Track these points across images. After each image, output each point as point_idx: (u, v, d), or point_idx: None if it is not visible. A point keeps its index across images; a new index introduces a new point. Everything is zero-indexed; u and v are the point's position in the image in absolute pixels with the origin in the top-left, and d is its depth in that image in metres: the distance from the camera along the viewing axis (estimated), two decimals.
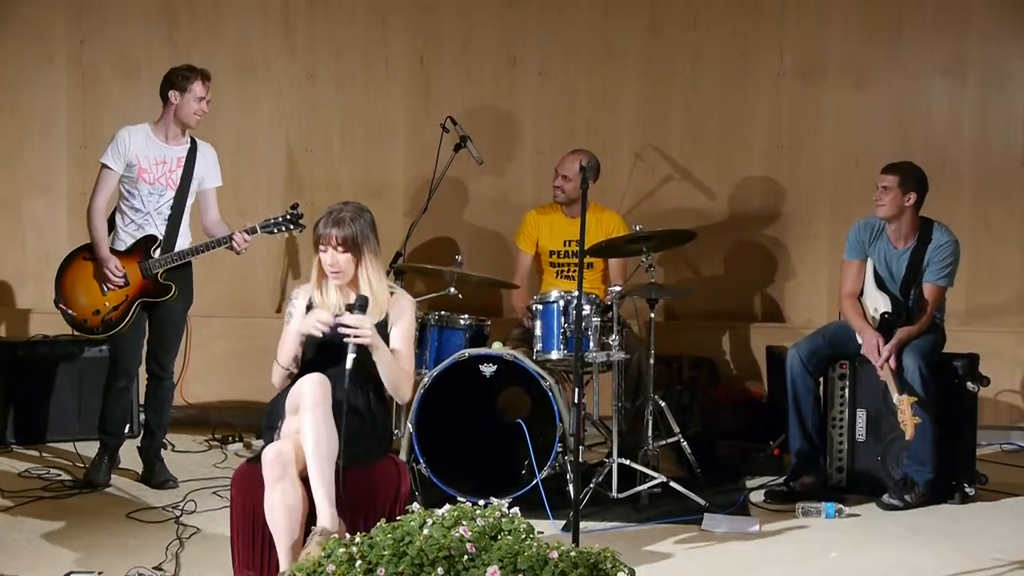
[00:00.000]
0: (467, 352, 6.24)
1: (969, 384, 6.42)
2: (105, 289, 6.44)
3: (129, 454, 6.81)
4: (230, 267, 7.88)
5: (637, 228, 6.48)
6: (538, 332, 6.39)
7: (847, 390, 6.59)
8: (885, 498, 6.28)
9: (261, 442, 4.93)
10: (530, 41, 8.16)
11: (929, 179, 6.51)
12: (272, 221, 6.45)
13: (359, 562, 3.81)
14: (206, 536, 5.64)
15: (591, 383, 6.76)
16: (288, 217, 6.46)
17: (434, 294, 6.80)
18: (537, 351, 6.38)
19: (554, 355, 6.33)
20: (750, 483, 6.70)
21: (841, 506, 6.14)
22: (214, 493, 6.37)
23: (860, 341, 6.40)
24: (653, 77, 8.12)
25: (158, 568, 5.12)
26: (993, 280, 7.94)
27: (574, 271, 7.10)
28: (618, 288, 6.47)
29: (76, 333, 6.68)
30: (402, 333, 4.88)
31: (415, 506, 4.09)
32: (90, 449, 6.86)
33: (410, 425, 6.14)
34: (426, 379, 6.19)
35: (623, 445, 6.34)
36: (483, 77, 8.20)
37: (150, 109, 6.80)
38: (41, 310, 7.69)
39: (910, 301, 6.45)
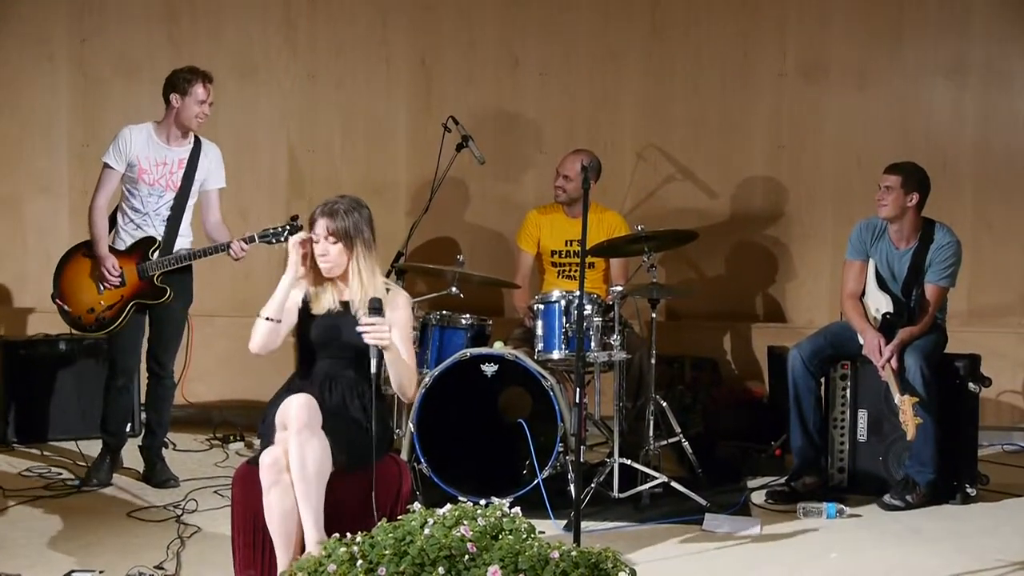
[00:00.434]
0: (468, 352, 6.24)
1: (971, 385, 6.41)
2: (101, 288, 6.44)
3: (131, 453, 6.81)
4: (232, 267, 7.82)
5: (639, 228, 6.47)
6: (539, 332, 6.39)
7: (848, 390, 6.58)
8: (886, 498, 6.28)
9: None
10: (531, 41, 8.16)
11: (931, 179, 6.50)
12: (271, 231, 6.39)
13: (360, 561, 3.81)
14: (207, 535, 5.65)
15: (592, 383, 6.77)
16: (287, 228, 6.37)
17: (435, 294, 6.79)
18: (538, 351, 6.38)
19: (555, 355, 6.33)
20: (751, 483, 6.69)
21: (842, 506, 6.14)
22: (215, 492, 6.37)
23: (862, 341, 6.40)
24: (654, 77, 8.11)
25: (159, 567, 5.12)
26: (995, 281, 7.94)
27: (575, 271, 7.11)
28: (620, 288, 6.47)
29: (74, 332, 6.69)
30: (401, 331, 4.86)
31: (416, 506, 4.09)
32: (91, 448, 6.87)
33: (411, 424, 6.14)
34: (427, 379, 6.19)
35: (624, 445, 6.33)
36: (484, 77, 8.20)
37: (151, 109, 6.80)
38: (42, 309, 7.68)
39: (912, 301, 6.45)
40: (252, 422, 4.91)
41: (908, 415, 5.99)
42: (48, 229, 8.27)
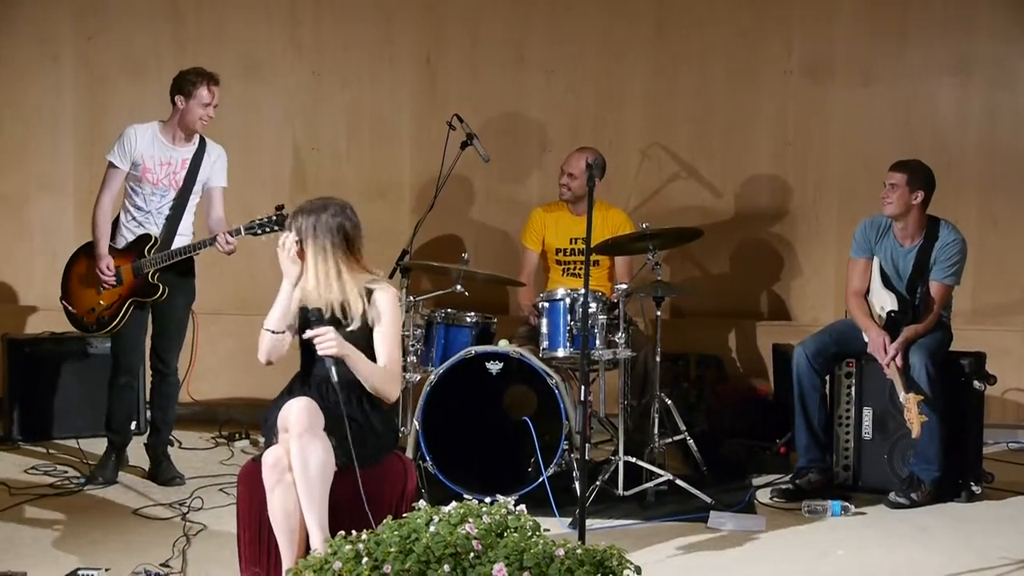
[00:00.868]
0: (473, 350, 6.25)
1: (976, 383, 6.41)
2: (100, 288, 6.46)
3: (136, 451, 6.82)
4: (237, 265, 7.85)
5: (643, 226, 6.48)
6: (544, 330, 6.39)
7: (853, 388, 6.58)
8: (891, 496, 6.28)
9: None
10: (536, 39, 8.16)
11: (936, 177, 6.50)
12: (257, 222, 6.34)
13: (365, 559, 3.81)
14: (212, 533, 5.66)
15: (597, 381, 6.78)
16: (273, 218, 6.31)
17: (440, 292, 6.79)
18: (543, 349, 6.38)
19: (560, 353, 6.33)
20: (756, 481, 6.70)
21: (847, 504, 6.14)
22: (221, 490, 6.38)
23: (866, 339, 6.39)
24: (659, 75, 8.11)
25: (165, 565, 5.13)
26: (1000, 279, 7.94)
27: (580, 269, 7.11)
28: (624, 286, 6.46)
29: (77, 330, 6.71)
30: (383, 331, 4.81)
31: (421, 503, 4.09)
32: (96, 446, 6.89)
33: (416, 422, 6.14)
34: (432, 377, 6.19)
35: (629, 443, 6.33)
36: (489, 76, 8.19)
37: (156, 108, 6.80)
38: (48, 307, 7.69)
39: (917, 299, 6.44)
40: (257, 420, 4.92)
41: (913, 413, 5.99)
42: (53, 228, 8.28)
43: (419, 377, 6.56)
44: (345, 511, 4.53)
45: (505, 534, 3.90)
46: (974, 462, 6.44)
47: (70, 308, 6.54)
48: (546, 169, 7.99)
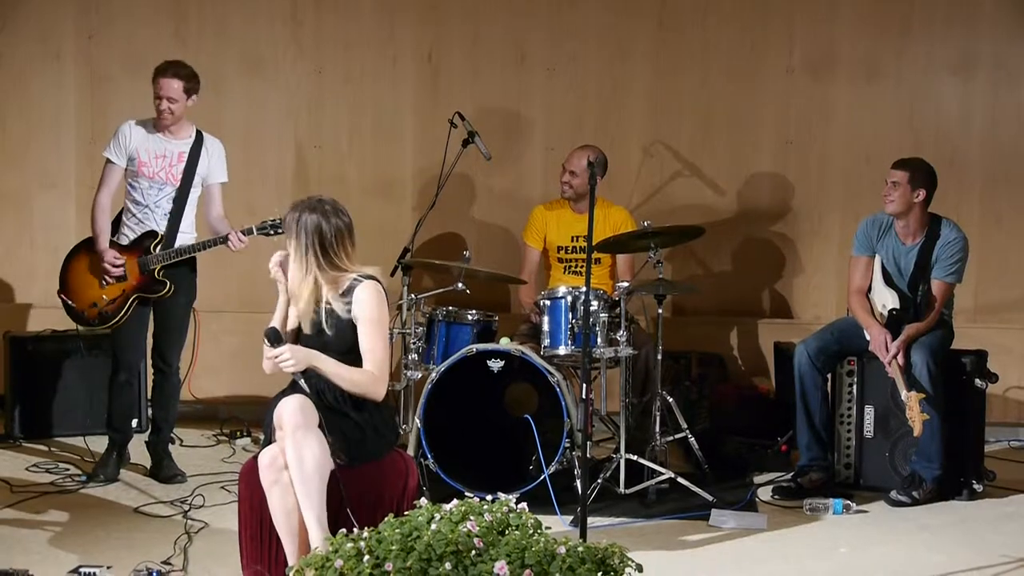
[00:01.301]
0: (475, 347, 6.25)
1: (977, 381, 6.41)
2: (104, 283, 6.46)
3: (138, 448, 6.83)
4: (239, 262, 7.86)
5: (645, 224, 6.48)
6: (546, 328, 6.40)
7: (855, 386, 6.58)
8: (893, 494, 6.28)
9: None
10: (538, 37, 8.15)
11: (939, 175, 6.50)
12: (269, 223, 6.38)
13: (367, 557, 3.81)
14: (214, 531, 5.66)
15: (599, 379, 6.77)
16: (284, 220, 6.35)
17: (442, 289, 6.79)
18: (545, 347, 6.38)
19: (562, 351, 6.33)
20: (758, 479, 6.71)
21: (849, 502, 6.15)
22: (222, 488, 6.39)
23: (868, 337, 6.39)
24: (662, 73, 8.11)
25: (166, 562, 5.13)
26: (1002, 277, 7.94)
27: (582, 267, 7.11)
28: (626, 284, 6.46)
29: (80, 328, 6.69)
30: (364, 329, 4.79)
31: (423, 501, 4.09)
32: (97, 444, 6.89)
33: (418, 420, 6.15)
34: (434, 374, 6.20)
35: (631, 441, 6.34)
36: (491, 73, 8.19)
37: None
38: (49, 305, 7.69)
39: (918, 297, 6.44)
40: (259, 418, 4.93)
41: (915, 411, 5.99)
42: (55, 225, 8.28)
43: (420, 375, 6.56)
44: (347, 509, 4.53)
45: (506, 532, 3.90)
46: (976, 460, 6.44)
47: (70, 302, 6.53)
48: (548, 167, 7.99)
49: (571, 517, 5.75)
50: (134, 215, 6.51)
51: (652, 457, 6.37)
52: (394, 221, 8.01)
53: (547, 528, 4.02)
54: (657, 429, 6.46)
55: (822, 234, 8.07)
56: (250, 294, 8.07)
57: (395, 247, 7.28)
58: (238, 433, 7.60)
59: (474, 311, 6.66)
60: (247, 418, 7.73)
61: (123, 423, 6.72)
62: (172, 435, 6.91)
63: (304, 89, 8.29)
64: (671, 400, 6.64)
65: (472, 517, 3.90)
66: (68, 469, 6.75)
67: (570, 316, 6.31)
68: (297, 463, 4.50)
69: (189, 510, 5.97)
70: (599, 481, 6.15)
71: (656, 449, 6.44)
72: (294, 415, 4.55)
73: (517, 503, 4.07)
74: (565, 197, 7.25)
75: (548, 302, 6.41)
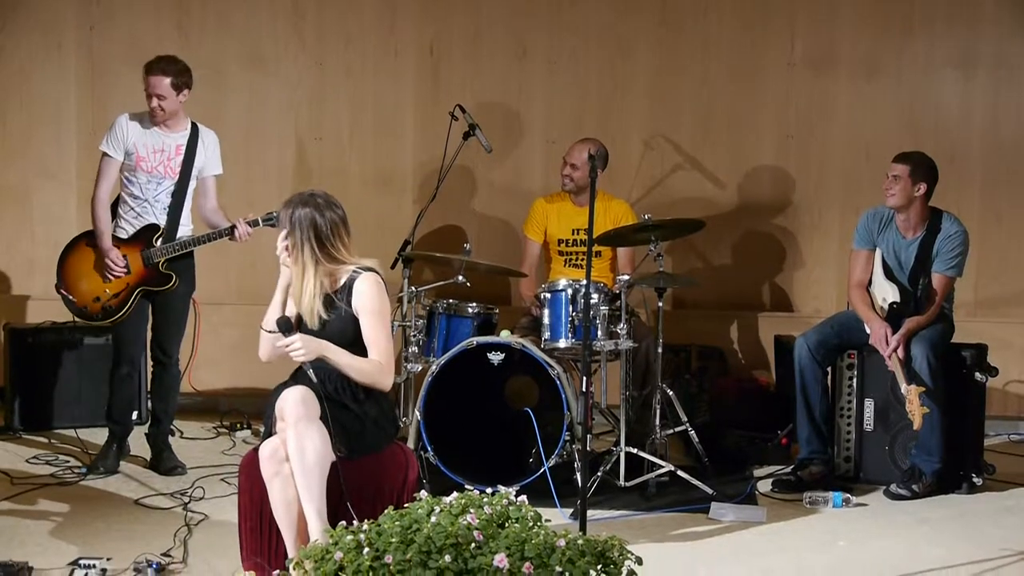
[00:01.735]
0: (475, 340, 6.25)
1: (977, 374, 6.41)
2: (106, 276, 6.45)
3: (138, 440, 6.83)
4: (239, 254, 7.87)
5: (646, 217, 6.48)
6: (546, 320, 6.40)
7: (855, 380, 6.59)
8: (893, 488, 6.28)
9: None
10: (540, 30, 8.15)
11: (939, 170, 6.50)
12: (275, 214, 6.37)
13: (367, 549, 3.82)
14: (214, 523, 5.66)
15: (599, 372, 6.78)
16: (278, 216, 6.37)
17: (442, 282, 6.79)
18: (545, 339, 6.38)
19: (562, 343, 6.33)
20: (758, 472, 6.71)
21: (849, 495, 6.15)
22: (222, 480, 6.39)
23: (868, 331, 6.39)
24: (663, 67, 8.10)
25: (166, 555, 5.13)
26: (1002, 271, 7.95)
27: (582, 260, 7.10)
28: (626, 277, 6.46)
29: (78, 320, 6.69)
30: (367, 321, 4.80)
31: (423, 494, 4.10)
32: (97, 436, 6.90)
33: (418, 413, 6.15)
34: (434, 367, 6.19)
35: (631, 434, 6.34)
36: (493, 66, 8.19)
37: None
38: (49, 297, 7.67)
39: (919, 291, 6.44)
40: (259, 410, 4.94)
41: (915, 405, 5.99)
42: (56, 218, 8.27)
43: (421, 367, 6.56)
44: (347, 501, 4.54)
45: (506, 525, 3.91)
46: (975, 454, 6.45)
47: (71, 297, 6.51)
48: (548, 160, 7.99)
49: (571, 510, 5.75)
50: (132, 208, 6.50)
51: (652, 450, 6.37)
52: (395, 214, 8.01)
53: (547, 521, 4.03)
54: (657, 422, 6.46)
55: (822, 228, 8.07)
56: (250, 286, 8.08)
57: (396, 240, 7.28)
58: (238, 425, 7.60)
59: (474, 304, 6.66)
60: (247, 410, 7.72)
61: (123, 415, 6.72)
62: (172, 427, 6.91)
63: (305, 82, 8.28)
64: (671, 393, 6.63)
65: (472, 510, 3.91)
66: (68, 461, 6.74)
67: (570, 309, 6.31)
68: (298, 455, 4.50)
69: (189, 502, 5.97)
70: (599, 474, 6.16)
71: (656, 442, 6.44)
72: (296, 406, 4.55)
73: (517, 496, 4.08)
74: (566, 190, 7.25)
75: (548, 295, 6.41)
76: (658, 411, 6.47)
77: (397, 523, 3.89)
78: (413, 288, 6.69)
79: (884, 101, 7.97)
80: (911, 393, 6.02)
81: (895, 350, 6.21)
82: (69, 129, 8.32)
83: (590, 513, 5.28)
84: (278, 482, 4.55)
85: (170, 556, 5.13)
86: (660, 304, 6.49)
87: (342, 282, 4.84)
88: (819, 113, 8.04)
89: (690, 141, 8.12)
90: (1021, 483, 6.57)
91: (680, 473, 6.22)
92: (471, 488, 4.16)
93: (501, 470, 6.02)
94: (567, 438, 6.08)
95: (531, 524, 3.92)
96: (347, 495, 4.55)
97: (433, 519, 3.87)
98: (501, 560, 3.71)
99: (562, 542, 3.81)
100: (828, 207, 8.06)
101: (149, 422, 6.86)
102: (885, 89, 7.97)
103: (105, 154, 6.48)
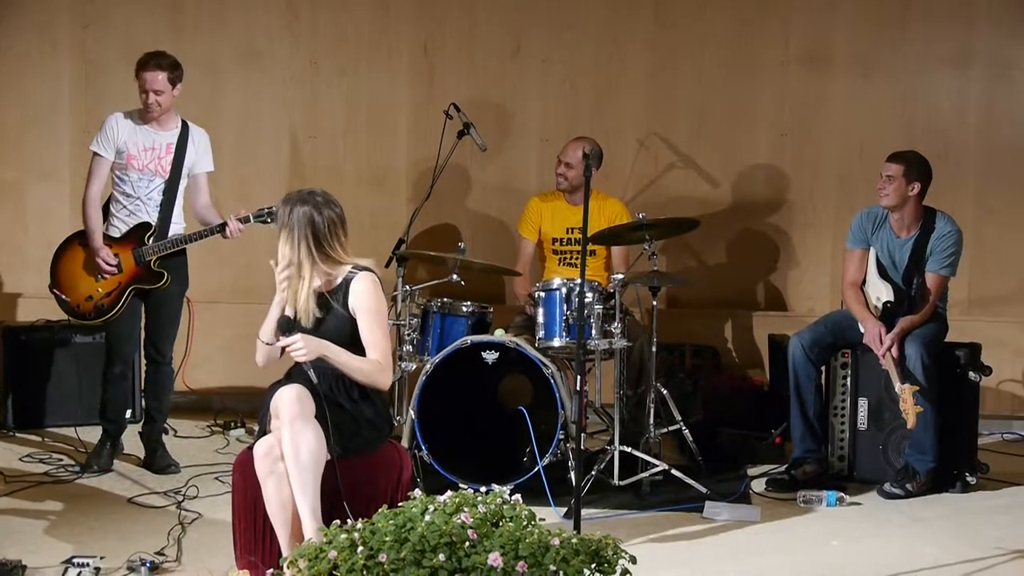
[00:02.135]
0: (469, 339, 6.25)
1: (971, 373, 6.42)
2: (99, 276, 6.44)
3: (131, 439, 6.82)
4: (233, 253, 7.87)
5: (640, 216, 6.47)
6: (540, 319, 6.40)
7: (849, 379, 6.59)
8: (886, 487, 6.29)
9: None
10: (534, 28, 8.15)
11: (933, 168, 6.51)
12: (266, 210, 6.38)
13: (361, 548, 3.82)
14: (208, 521, 5.66)
15: (593, 370, 6.77)
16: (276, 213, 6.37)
17: (436, 281, 6.78)
18: (539, 338, 6.38)
19: (556, 342, 6.33)
20: (752, 471, 6.70)
21: (842, 494, 6.15)
22: (216, 479, 6.38)
23: (862, 330, 6.40)
24: (657, 65, 8.10)
25: (160, 553, 5.13)
26: (996, 270, 7.95)
27: (577, 258, 7.10)
28: (621, 276, 6.47)
29: (72, 319, 6.69)
30: (364, 320, 4.80)
31: (417, 493, 4.10)
32: (90, 434, 6.88)
33: (412, 412, 6.15)
34: (428, 366, 6.19)
35: (625, 433, 6.33)
36: (487, 64, 8.18)
37: None
38: (43, 296, 7.65)
39: (913, 290, 6.45)
40: (253, 408, 4.94)
41: (908, 404, 5.99)
42: (49, 216, 8.26)
43: (415, 366, 6.56)
44: (341, 500, 4.54)
45: (500, 524, 3.91)
46: (969, 453, 6.45)
47: (63, 297, 6.51)
48: (543, 158, 7.99)
49: (565, 509, 5.75)
50: (124, 207, 6.50)
51: (646, 449, 6.37)
52: (389, 212, 8.00)
53: (541, 520, 4.03)
54: (651, 421, 6.46)
55: (816, 226, 8.07)
56: (244, 284, 8.07)
57: (390, 238, 7.27)
58: (232, 424, 7.59)
59: (469, 303, 6.67)
60: (241, 409, 7.72)
61: (117, 414, 6.71)
62: (166, 425, 6.91)
63: (299, 80, 8.27)
64: (665, 392, 6.64)
65: (466, 508, 3.91)
66: (62, 460, 6.74)
67: (565, 308, 6.31)
68: (293, 453, 4.50)
69: (183, 501, 5.97)
70: (593, 473, 6.16)
71: (650, 441, 6.44)
72: (292, 405, 4.55)
73: (511, 495, 4.08)
74: (560, 189, 7.26)
75: (543, 294, 6.41)
76: (652, 410, 6.47)
77: (391, 522, 3.89)
78: (407, 287, 6.68)
79: (879, 99, 7.97)
80: (905, 392, 6.02)
81: (889, 349, 6.22)
82: (63, 127, 8.31)
83: (584, 512, 5.28)
84: (272, 481, 4.55)
85: (164, 555, 5.12)
86: (654, 303, 6.49)
87: (338, 282, 4.84)
88: (813, 111, 8.05)
89: (684, 139, 8.12)
90: (1015, 482, 6.57)
91: (674, 472, 6.22)
92: (465, 487, 4.16)
93: (495, 469, 6.01)
94: (561, 437, 6.08)
95: (525, 523, 3.92)
96: (343, 493, 4.55)
97: (427, 518, 3.87)
98: (495, 559, 3.71)
99: (556, 541, 3.81)
100: (822, 205, 8.06)
101: (143, 421, 6.85)
102: (880, 87, 7.97)
103: (96, 154, 6.48)
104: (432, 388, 6.15)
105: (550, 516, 5.67)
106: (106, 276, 6.43)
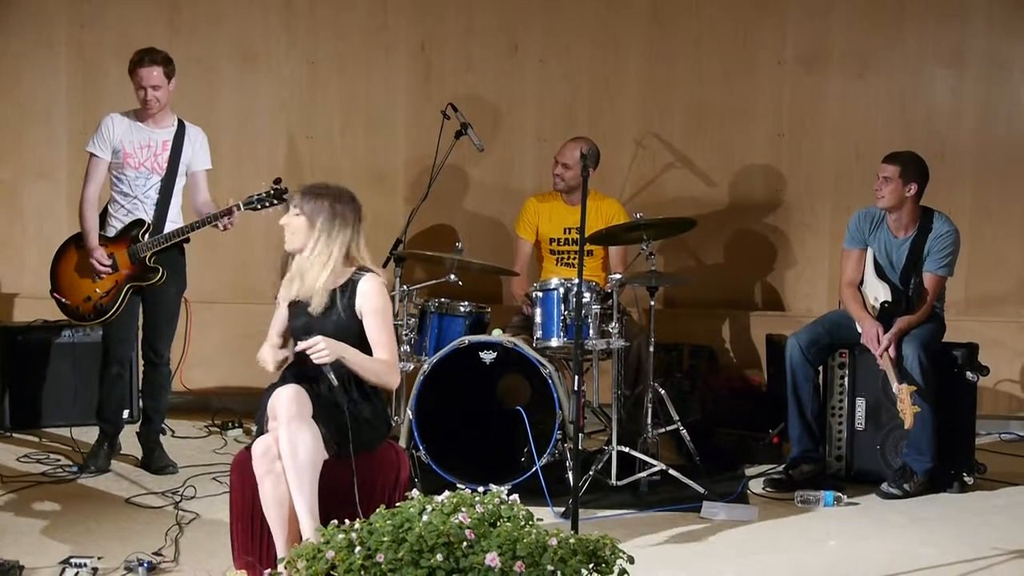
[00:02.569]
0: (467, 339, 6.25)
1: (968, 373, 6.42)
2: (96, 276, 6.44)
3: (129, 439, 6.82)
4: (231, 253, 7.88)
5: (637, 216, 6.47)
6: (538, 319, 6.40)
7: (847, 379, 6.59)
8: (884, 487, 6.29)
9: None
10: (531, 28, 8.15)
11: (930, 168, 6.51)
12: (255, 197, 6.36)
13: (358, 548, 3.81)
14: (205, 522, 5.65)
15: (591, 371, 6.77)
16: (271, 192, 6.34)
17: (434, 281, 6.78)
18: (537, 338, 6.38)
19: (554, 342, 6.33)
20: (749, 471, 6.70)
21: (840, 494, 6.16)
22: (214, 479, 6.38)
23: (860, 330, 6.40)
24: (655, 65, 8.10)
25: (157, 553, 5.12)
26: (993, 270, 7.95)
27: (574, 259, 7.11)
28: (618, 276, 6.47)
29: (71, 320, 6.68)
30: (374, 321, 4.82)
31: (414, 493, 4.09)
32: (87, 434, 6.87)
33: (410, 412, 6.15)
34: (426, 366, 6.19)
35: (622, 433, 6.34)
36: (484, 64, 8.18)
37: None
38: (40, 296, 7.65)
39: (910, 290, 6.45)
40: (250, 409, 4.94)
41: (906, 404, 6.00)
42: (46, 215, 8.26)
43: (412, 366, 6.55)
44: (338, 500, 4.53)
45: (498, 524, 3.90)
46: (967, 453, 6.45)
47: (63, 300, 6.52)
48: (540, 159, 7.98)
49: (563, 509, 5.75)
50: (122, 206, 6.50)
51: (644, 449, 6.37)
52: (386, 212, 7.99)
53: (539, 520, 4.03)
54: (649, 421, 6.46)
55: (814, 226, 8.07)
56: (242, 284, 8.07)
57: (387, 238, 7.26)
58: (229, 424, 7.59)
59: (466, 303, 6.67)
60: (239, 409, 7.71)
61: (114, 414, 6.71)
62: (163, 426, 6.90)
63: (296, 79, 8.27)
64: (663, 392, 6.64)
65: (464, 508, 3.91)
66: (59, 460, 6.73)
67: (562, 308, 6.31)
68: (291, 453, 4.50)
69: (180, 501, 5.96)
70: (591, 473, 6.16)
71: (648, 441, 6.44)
72: (289, 405, 4.55)
73: (509, 495, 4.08)
74: (557, 189, 7.26)
75: (540, 294, 6.41)
76: (650, 410, 6.47)
77: (389, 522, 3.89)
78: (405, 287, 6.68)
79: (875, 99, 7.97)
80: (902, 392, 6.03)
81: (886, 349, 6.22)
82: (60, 127, 8.30)
83: (582, 512, 5.27)
84: (270, 480, 4.54)
85: (161, 555, 5.11)
86: (652, 303, 6.49)
87: (342, 281, 4.85)
88: (810, 111, 8.05)
89: (682, 139, 8.12)
90: (1012, 482, 6.57)
91: (672, 472, 6.22)
92: (463, 487, 4.16)
93: (493, 469, 6.01)
94: (559, 437, 6.08)
95: (523, 523, 3.92)
96: (357, 492, 4.55)
97: (425, 518, 3.87)
98: (493, 559, 3.71)
99: (554, 541, 3.81)
100: (819, 205, 8.06)
101: (140, 421, 6.85)
102: (876, 87, 7.97)
103: (92, 155, 6.48)
104: (430, 388, 6.15)
105: (548, 516, 5.67)
106: (102, 276, 6.43)
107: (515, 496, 4.08)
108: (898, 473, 6.32)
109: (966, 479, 6.39)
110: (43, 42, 8.28)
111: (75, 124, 8.24)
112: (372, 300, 4.82)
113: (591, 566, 3.84)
